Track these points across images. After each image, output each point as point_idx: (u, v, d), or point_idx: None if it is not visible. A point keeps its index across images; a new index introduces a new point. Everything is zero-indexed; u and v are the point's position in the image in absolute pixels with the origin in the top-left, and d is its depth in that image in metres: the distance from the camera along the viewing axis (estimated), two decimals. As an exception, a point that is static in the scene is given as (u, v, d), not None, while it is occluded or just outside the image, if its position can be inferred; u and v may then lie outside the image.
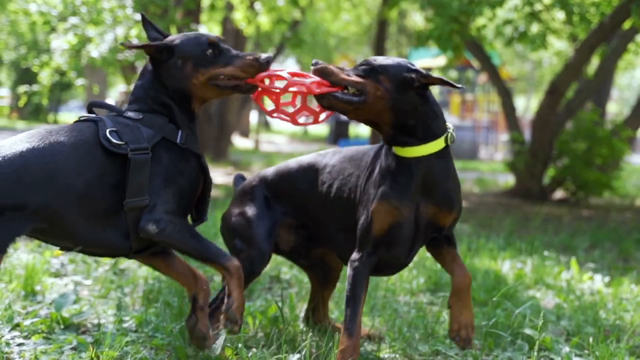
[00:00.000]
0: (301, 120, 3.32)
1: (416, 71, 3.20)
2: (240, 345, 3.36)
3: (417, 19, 28.52)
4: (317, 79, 3.20)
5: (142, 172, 3.15)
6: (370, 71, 3.21)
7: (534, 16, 10.68)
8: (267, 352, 3.32)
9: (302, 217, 3.68)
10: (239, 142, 28.63)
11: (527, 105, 48.74)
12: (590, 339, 3.81)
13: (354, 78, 3.21)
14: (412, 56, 26.22)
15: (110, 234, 3.16)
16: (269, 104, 3.33)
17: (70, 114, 42.42)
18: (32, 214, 2.97)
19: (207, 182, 3.39)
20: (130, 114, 3.27)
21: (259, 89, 3.29)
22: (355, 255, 3.30)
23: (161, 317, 3.81)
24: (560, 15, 12.14)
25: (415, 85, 3.18)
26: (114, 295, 4.36)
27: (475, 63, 19.74)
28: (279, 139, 35.06)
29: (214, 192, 10.86)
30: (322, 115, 3.31)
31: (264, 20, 14.00)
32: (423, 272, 5.21)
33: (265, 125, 46.26)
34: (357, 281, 3.24)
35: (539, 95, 36.19)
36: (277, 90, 3.25)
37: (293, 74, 3.23)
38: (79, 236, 3.12)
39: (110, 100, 26.59)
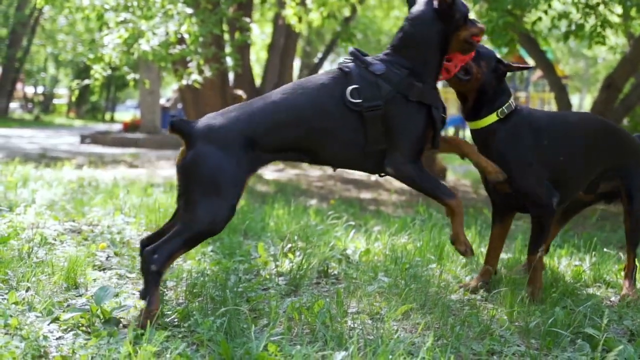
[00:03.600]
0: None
1: (501, 61, 4.33)
2: (284, 342, 3.22)
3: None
4: None
5: (376, 125, 3.77)
6: (474, 58, 4.23)
7: (591, 8, 10.36)
8: (311, 349, 3.17)
9: None
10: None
11: (580, 103, 47.98)
12: (656, 340, 3.60)
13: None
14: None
15: (366, 163, 3.90)
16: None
17: (126, 113, 42.91)
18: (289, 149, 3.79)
19: (435, 128, 3.90)
20: (376, 67, 3.84)
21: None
22: None
23: (204, 312, 3.69)
24: (618, 9, 11.78)
25: (500, 73, 4.30)
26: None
27: (529, 60, 19.35)
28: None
29: (262, 188, 10.83)
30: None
31: (315, 16, 13.85)
32: (477, 269, 5.01)
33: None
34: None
35: (593, 93, 35.54)
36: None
37: None
38: (334, 161, 3.96)
39: (163, 99, 26.71)
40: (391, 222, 7.07)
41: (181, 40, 11.01)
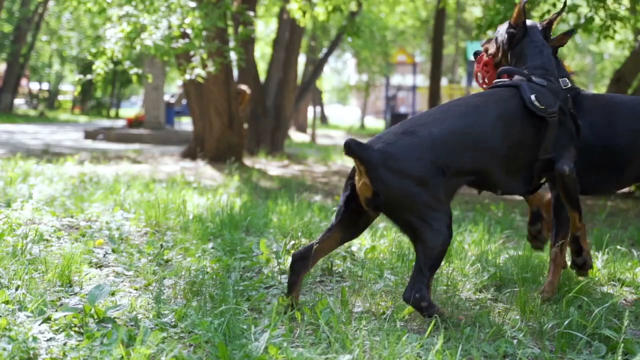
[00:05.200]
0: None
1: None
2: (286, 344, 3.07)
3: (475, 12, 28.01)
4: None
5: (552, 131, 3.87)
6: None
7: (600, 2, 10.19)
8: (315, 351, 3.01)
9: None
10: (296, 136, 28.48)
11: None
12: (676, 341, 3.44)
13: None
14: (469, 50, 25.78)
15: (519, 182, 3.95)
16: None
17: (131, 109, 42.84)
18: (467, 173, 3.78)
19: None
20: (536, 79, 3.96)
21: None
22: None
23: (202, 311, 3.53)
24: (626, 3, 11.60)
25: None
26: (155, 287, 4.10)
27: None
28: (335, 133, 34.79)
29: (266, 184, 10.68)
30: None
31: (320, 11, 13.69)
32: (487, 267, 4.86)
33: (322, 120, 46.10)
34: None
35: (600, 89, 35.30)
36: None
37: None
38: (501, 185, 3.92)
39: (167, 95, 26.55)
40: (397, 218, 6.91)
41: (184, 35, 10.88)
